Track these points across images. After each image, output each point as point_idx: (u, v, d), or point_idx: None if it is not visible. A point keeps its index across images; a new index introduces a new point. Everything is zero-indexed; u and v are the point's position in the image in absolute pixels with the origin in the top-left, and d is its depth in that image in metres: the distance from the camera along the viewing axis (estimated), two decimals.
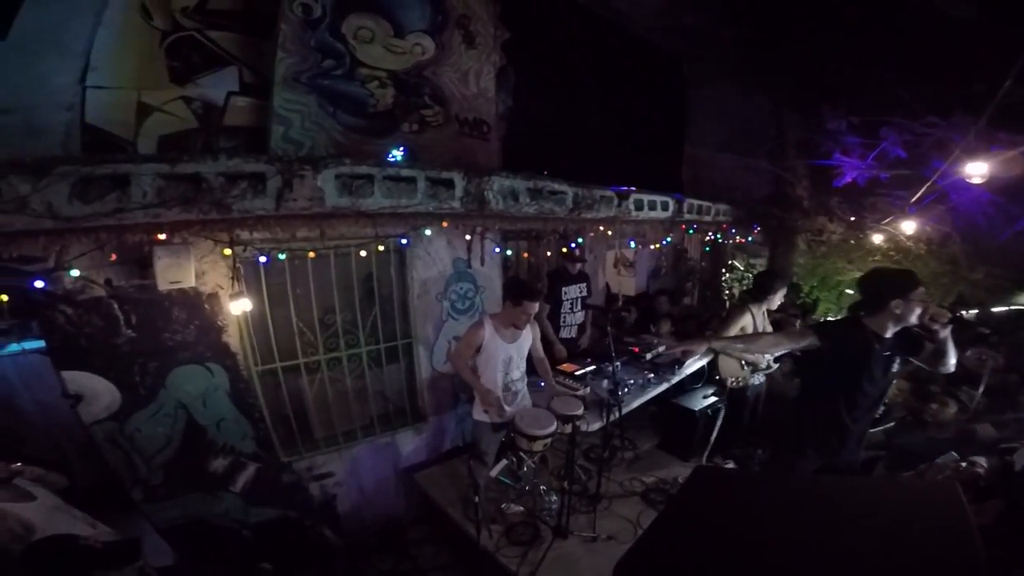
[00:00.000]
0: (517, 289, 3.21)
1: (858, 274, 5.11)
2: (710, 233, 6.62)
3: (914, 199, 4.93)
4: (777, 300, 4.28)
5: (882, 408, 3.02)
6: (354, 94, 4.30)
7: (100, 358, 2.79)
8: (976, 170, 4.46)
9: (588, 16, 6.51)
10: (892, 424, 4.21)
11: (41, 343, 2.85)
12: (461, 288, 4.22)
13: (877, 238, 5.16)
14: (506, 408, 3.38)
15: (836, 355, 2.67)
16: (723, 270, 7.50)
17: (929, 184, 4.87)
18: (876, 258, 5.17)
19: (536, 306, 3.18)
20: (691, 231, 6.04)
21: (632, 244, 5.56)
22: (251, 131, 4.11)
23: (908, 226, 4.96)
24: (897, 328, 2.57)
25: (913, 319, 2.49)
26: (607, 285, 6.37)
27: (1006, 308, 6.89)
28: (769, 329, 4.32)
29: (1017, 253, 6.21)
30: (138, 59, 3.96)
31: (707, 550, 1.24)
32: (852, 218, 5.95)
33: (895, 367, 2.67)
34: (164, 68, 4.04)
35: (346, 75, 4.27)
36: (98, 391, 2.82)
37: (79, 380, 2.75)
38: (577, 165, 5.10)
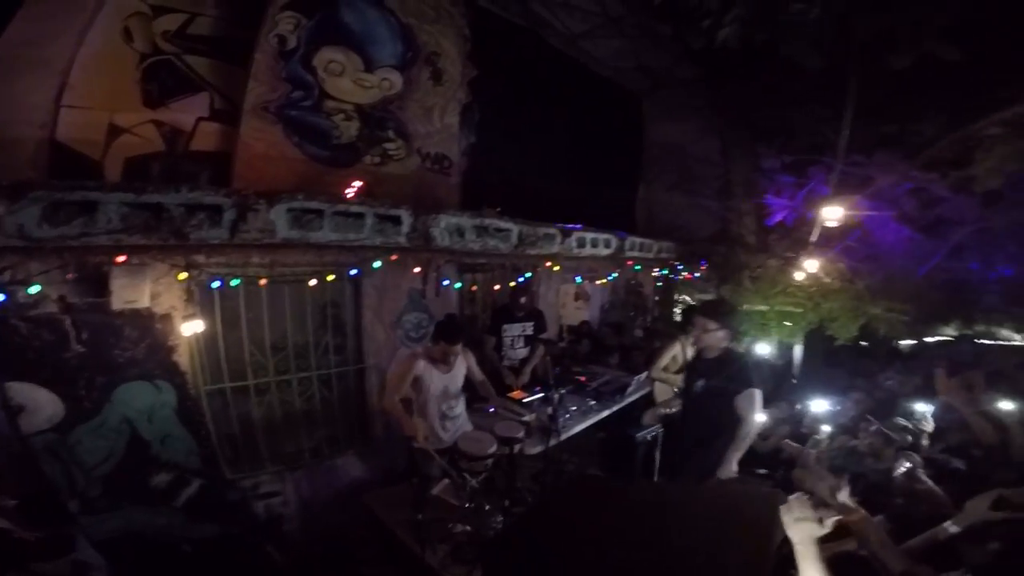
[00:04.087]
0: (439, 329, 3.44)
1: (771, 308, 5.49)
2: (657, 269, 6.95)
3: (813, 237, 5.33)
4: None
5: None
6: (319, 125, 4.49)
7: (47, 371, 2.86)
8: (831, 214, 4.87)
9: (555, 56, 6.89)
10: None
11: None
12: (415, 318, 4.37)
13: (800, 275, 5.52)
14: (444, 435, 3.54)
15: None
16: (675, 304, 7.84)
17: (817, 227, 5.27)
18: (797, 296, 5.48)
19: (456, 348, 3.37)
20: (638, 267, 6.34)
21: (578, 279, 5.83)
22: (217, 156, 4.24)
23: (811, 264, 5.33)
24: (713, 353, 3.15)
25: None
26: (584, 322, 6.62)
27: (937, 338, 7.38)
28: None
29: (932, 288, 6.73)
30: (114, 81, 4.07)
31: (552, 545, 1.42)
32: (789, 254, 6.32)
33: (699, 388, 3.18)
34: (139, 91, 4.16)
35: (313, 107, 4.47)
36: (41, 403, 2.87)
37: (23, 391, 2.81)
38: (536, 201, 5.37)
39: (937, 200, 5.73)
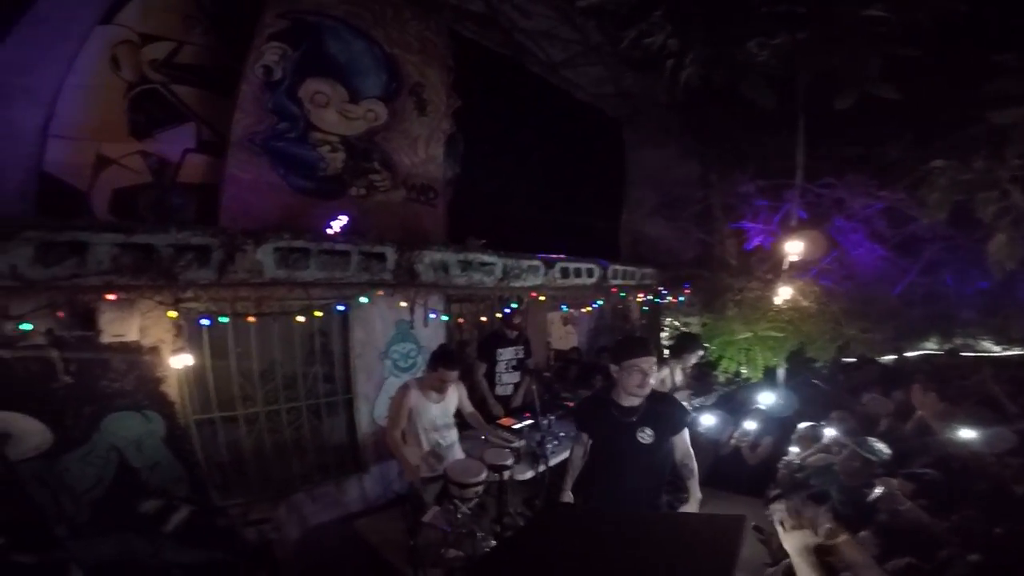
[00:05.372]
0: (435, 358, 3.52)
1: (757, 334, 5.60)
2: (641, 295, 7.08)
3: (784, 267, 5.45)
4: (692, 359, 4.74)
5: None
6: (305, 157, 4.56)
7: (34, 401, 2.91)
8: (792, 248, 4.98)
9: (538, 84, 7.08)
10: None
11: None
12: (404, 348, 4.44)
13: (778, 300, 5.68)
14: (437, 463, 3.62)
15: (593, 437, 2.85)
16: (662, 329, 7.99)
17: (785, 259, 5.42)
18: (778, 321, 5.62)
19: (453, 374, 3.47)
20: (623, 293, 6.48)
21: (565, 308, 5.92)
22: (203, 188, 4.30)
23: (785, 291, 5.38)
24: (636, 398, 2.63)
25: (632, 385, 2.58)
26: (574, 348, 6.73)
27: (917, 353, 7.57)
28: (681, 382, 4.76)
29: (909, 304, 6.93)
30: (101, 110, 4.12)
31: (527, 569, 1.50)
32: (769, 277, 6.48)
33: (648, 437, 2.67)
34: (126, 121, 4.20)
35: (299, 138, 4.55)
36: (28, 431, 2.92)
37: (8, 420, 2.85)
38: (521, 230, 5.48)
39: (908, 218, 5.91)
